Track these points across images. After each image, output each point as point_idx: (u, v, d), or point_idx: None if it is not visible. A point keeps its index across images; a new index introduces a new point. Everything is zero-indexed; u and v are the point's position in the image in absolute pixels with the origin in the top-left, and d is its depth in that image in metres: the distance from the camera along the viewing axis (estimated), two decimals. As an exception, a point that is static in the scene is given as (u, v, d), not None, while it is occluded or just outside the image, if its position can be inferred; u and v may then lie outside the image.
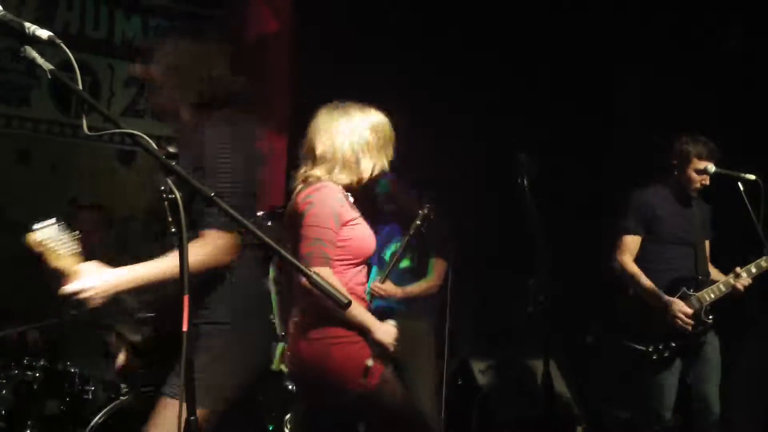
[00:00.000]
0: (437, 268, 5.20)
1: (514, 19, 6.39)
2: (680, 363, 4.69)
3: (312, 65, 6.88)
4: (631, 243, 4.80)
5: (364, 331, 3.18)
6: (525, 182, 3.84)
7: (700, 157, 4.68)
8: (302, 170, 3.36)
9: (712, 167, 4.64)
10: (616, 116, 6.44)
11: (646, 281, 4.69)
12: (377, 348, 3.17)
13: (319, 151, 3.33)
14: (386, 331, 3.21)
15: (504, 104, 6.24)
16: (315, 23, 6.88)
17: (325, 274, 3.10)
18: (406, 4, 6.61)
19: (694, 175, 4.72)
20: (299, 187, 3.34)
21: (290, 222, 3.31)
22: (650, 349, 4.62)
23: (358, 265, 3.31)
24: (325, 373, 3.18)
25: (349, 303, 2.28)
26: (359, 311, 3.17)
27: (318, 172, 3.29)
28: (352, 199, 3.35)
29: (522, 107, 6.24)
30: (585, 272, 5.92)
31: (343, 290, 2.85)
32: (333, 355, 3.16)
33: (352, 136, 3.34)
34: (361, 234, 3.28)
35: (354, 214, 3.29)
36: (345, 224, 3.24)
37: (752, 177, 4.62)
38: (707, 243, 4.88)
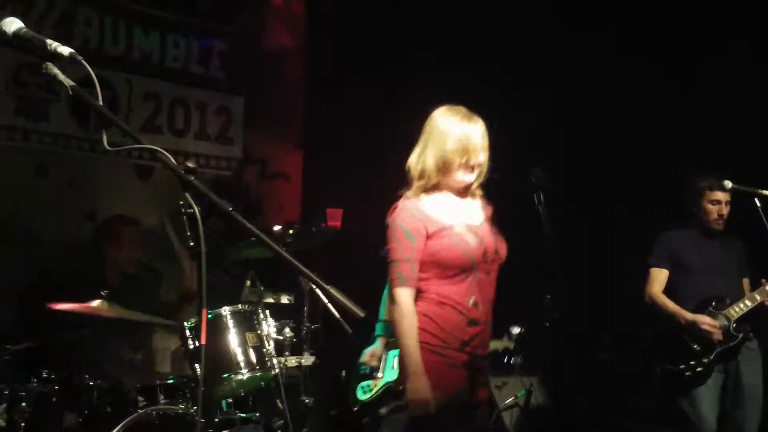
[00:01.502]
0: None
1: (515, 29, 6.41)
2: (717, 380, 4.75)
3: (326, 80, 6.92)
4: (658, 275, 4.95)
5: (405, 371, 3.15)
6: (540, 196, 3.83)
7: (711, 189, 4.83)
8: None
9: (728, 183, 4.68)
10: (628, 128, 6.40)
11: (671, 304, 4.84)
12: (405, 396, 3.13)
13: (408, 165, 3.36)
14: (421, 389, 3.11)
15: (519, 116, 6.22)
16: (328, 37, 6.92)
17: (403, 295, 3.17)
18: (418, 19, 6.62)
19: (709, 206, 4.86)
20: None
21: None
22: (682, 367, 4.73)
23: (454, 276, 3.23)
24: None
25: (365, 318, 2.29)
26: (411, 352, 3.13)
27: (405, 190, 3.34)
28: (463, 207, 3.32)
29: (535, 120, 6.22)
30: (599, 287, 5.91)
31: (354, 306, 2.60)
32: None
33: (435, 145, 3.30)
34: (449, 244, 3.21)
35: (447, 222, 3.24)
36: (431, 237, 3.22)
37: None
38: (745, 281, 4.96)
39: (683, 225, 5.03)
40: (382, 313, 4.69)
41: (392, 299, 3.21)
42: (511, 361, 4.93)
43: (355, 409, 4.82)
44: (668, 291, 4.93)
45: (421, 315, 3.22)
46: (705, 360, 4.71)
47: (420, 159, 3.33)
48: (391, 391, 4.64)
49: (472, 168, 3.31)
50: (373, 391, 4.74)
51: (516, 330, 5.16)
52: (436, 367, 3.16)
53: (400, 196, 3.35)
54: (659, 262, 4.97)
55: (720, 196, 4.83)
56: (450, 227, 3.24)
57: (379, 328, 4.75)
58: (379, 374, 4.74)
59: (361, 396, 4.79)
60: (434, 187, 3.32)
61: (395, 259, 3.21)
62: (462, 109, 3.36)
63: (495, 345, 5.02)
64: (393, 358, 4.70)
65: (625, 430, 5.85)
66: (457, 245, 3.22)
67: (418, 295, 3.24)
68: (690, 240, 4.96)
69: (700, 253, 4.91)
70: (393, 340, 4.71)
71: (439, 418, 3.13)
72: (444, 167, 3.28)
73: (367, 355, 4.74)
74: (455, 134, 3.28)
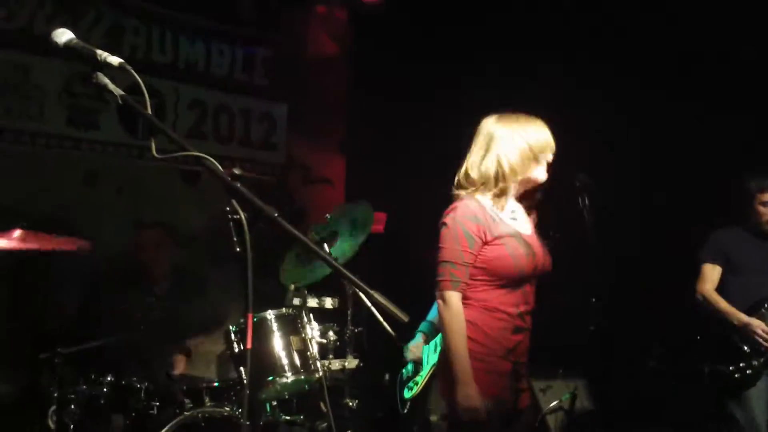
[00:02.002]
0: None
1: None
2: (766, 383, 4.70)
3: (368, 89, 6.96)
4: (710, 272, 4.91)
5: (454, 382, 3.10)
6: (585, 201, 3.81)
7: (762, 190, 4.79)
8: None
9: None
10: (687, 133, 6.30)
11: (724, 304, 4.79)
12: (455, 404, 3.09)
13: (466, 169, 3.29)
14: (470, 396, 3.07)
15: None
16: (371, 47, 6.96)
17: (455, 297, 3.11)
18: (463, 24, 6.63)
19: (761, 208, 4.81)
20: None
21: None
22: (731, 369, 4.68)
23: (505, 285, 3.18)
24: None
25: (409, 322, 2.29)
26: (460, 359, 3.08)
27: (462, 190, 3.26)
28: (515, 215, 3.27)
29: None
30: (648, 294, 5.83)
31: (398, 310, 2.43)
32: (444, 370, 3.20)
33: (499, 148, 3.23)
34: (502, 254, 3.15)
35: (504, 230, 3.18)
36: (488, 243, 3.16)
37: None
38: None
39: (736, 222, 4.97)
40: (432, 314, 4.73)
41: (443, 300, 3.15)
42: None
43: (405, 411, 4.86)
44: (720, 291, 4.88)
45: (466, 322, 3.17)
46: (755, 363, 4.66)
47: (484, 162, 3.25)
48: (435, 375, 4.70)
49: (546, 167, 3.28)
50: (419, 383, 4.79)
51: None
52: (479, 375, 3.12)
53: (451, 197, 3.30)
54: (712, 258, 4.92)
55: None
56: (507, 236, 3.19)
57: (423, 326, 4.80)
58: (425, 366, 4.80)
59: (408, 394, 4.84)
60: (500, 192, 3.25)
61: (451, 260, 3.13)
62: (522, 114, 3.33)
63: None
64: (433, 346, 4.75)
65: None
66: (512, 256, 3.17)
67: (463, 300, 3.19)
68: (743, 239, 4.90)
69: (753, 254, 4.85)
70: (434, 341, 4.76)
71: (484, 425, 3.10)
72: (514, 169, 3.22)
73: (411, 348, 4.79)
74: (530, 135, 3.24)
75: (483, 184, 3.23)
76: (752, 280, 4.80)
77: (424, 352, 4.80)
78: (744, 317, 4.70)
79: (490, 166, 3.23)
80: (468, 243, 3.13)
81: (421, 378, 4.82)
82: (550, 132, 3.29)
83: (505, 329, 3.21)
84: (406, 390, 4.87)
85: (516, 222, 3.29)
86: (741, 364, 4.67)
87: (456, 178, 3.33)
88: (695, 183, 5.81)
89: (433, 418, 3.24)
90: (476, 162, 3.28)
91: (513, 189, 3.27)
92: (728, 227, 4.98)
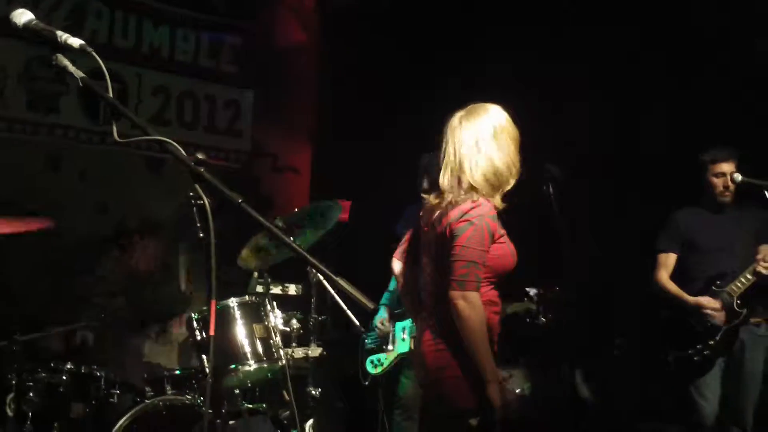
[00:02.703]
0: None
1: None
2: (721, 366, 4.73)
3: (338, 77, 6.93)
4: (665, 260, 4.92)
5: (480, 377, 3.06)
6: (551, 191, 3.83)
7: (715, 161, 4.77)
8: (447, 186, 3.20)
9: (738, 176, 4.67)
10: (641, 130, 6.37)
11: (674, 288, 4.81)
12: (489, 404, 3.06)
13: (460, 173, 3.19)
14: (500, 393, 3.06)
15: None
16: (342, 36, 6.93)
17: (474, 298, 3.06)
18: (433, 11, 6.62)
19: (714, 180, 4.79)
20: (447, 203, 3.18)
21: (437, 238, 3.19)
22: (690, 352, 4.70)
23: (498, 281, 3.21)
24: (441, 384, 3.18)
25: (375, 310, 2.29)
26: (487, 360, 3.05)
27: (473, 193, 3.16)
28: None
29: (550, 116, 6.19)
30: (611, 283, 5.90)
31: (364, 297, 2.50)
32: (450, 369, 3.13)
33: (496, 149, 3.17)
34: (506, 251, 3.18)
35: (501, 230, 3.19)
36: (494, 241, 3.15)
37: None
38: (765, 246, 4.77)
39: (694, 204, 4.96)
40: (392, 285, 4.76)
41: (466, 301, 3.06)
42: (536, 321, 4.85)
43: (367, 383, 4.92)
44: (681, 273, 4.87)
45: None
46: (711, 342, 4.67)
47: (485, 165, 3.16)
48: (406, 363, 4.72)
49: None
50: (385, 365, 4.86)
51: (533, 291, 5.08)
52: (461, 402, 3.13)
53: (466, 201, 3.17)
54: (667, 246, 4.92)
55: (724, 167, 4.75)
56: (505, 234, 3.22)
57: (385, 297, 4.85)
58: (389, 347, 4.85)
59: (372, 370, 4.91)
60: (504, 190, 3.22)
61: (477, 260, 3.07)
62: (485, 105, 3.28)
63: (515, 308, 4.97)
64: (401, 330, 4.81)
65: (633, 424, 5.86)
66: (512, 253, 3.22)
67: None
68: (699, 219, 4.89)
69: (709, 232, 4.84)
70: (398, 312, 4.78)
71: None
72: (516, 165, 3.20)
73: (379, 322, 4.85)
74: (509, 127, 3.23)
75: (495, 182, 3.16)
76: (709, 258, 4.79)
77: (396, 329, 4.85)
78: (691, 298, 4.72)
79: (497, 165, 3.16)
80: (489, 243, 3.11)
81: (388, 361, 4.86)
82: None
83: (499, 322, 3.27)
84: (369, 364, 4.97)
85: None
86: (698, 346, 4.68)
87: (445, 182, 3.21)
88: (668, 175, 5.85)
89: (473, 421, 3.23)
90: (480, 162, 3.16)
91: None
92: (685, 208, 4.97)
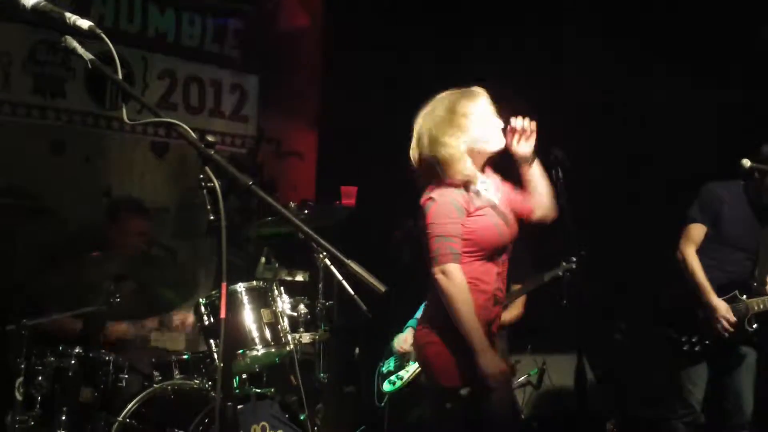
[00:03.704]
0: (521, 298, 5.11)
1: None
2: (707, 367, 4.63)
3: (342, 62, 6.90)
4: (696, 232, 4.65)
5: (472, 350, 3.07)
6: (559, 176, 3.81)
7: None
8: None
9: (747, 162, 4.35)
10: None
11: (701, 277, 4.55)
12: (479, 374, 3.06)
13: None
14: (492, 361, 3.07)
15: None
16: (346, 19, 6.89)
17: (457, 270, 3.08)
18: (436, 6, 6.58)
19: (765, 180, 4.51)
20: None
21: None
22: (683, 339, 4.59)
23: (484, 257, 3.20)
24: (426, 362, 3.25)
25: (386, 291, 2.27)
26: (473, 329, 3.06)
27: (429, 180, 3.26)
28: (485, 186, 3.28)
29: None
30: (616, 268, 5.88)
31: (375, 280, 2.43)
32: (434, 346, 3.19)
33: (456, 126, 3.22)
34: (486, 224, 3.19)
35: (481, 202, 3.21)
36: (470, 215, 3.17)
37: None
38: None
39: (736, 178, 4.64)
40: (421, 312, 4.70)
41: (444, 274, 3.10)
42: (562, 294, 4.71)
43: (382, 405, 4.81)
44: (698, 250, 4.62)
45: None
46: (707, 342, 4.54)
47: (447, 143, 3.22)
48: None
49: (498, 132, 3.28)
50: (403, 380, 4.75)
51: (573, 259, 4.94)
52: (467, 350, 3.12)
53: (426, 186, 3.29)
54: (701, 217, 4.63)
55: None
56: (487, 206, 3.24)
57: (412, 321, 4.73)
58: (411, 363, 4.75)
59: (389, 389, 4.78)
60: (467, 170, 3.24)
61: (446, 234, 3.11)
62: (459, 89, 3.33)
63: (553, 273, 4.83)
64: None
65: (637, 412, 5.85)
66: (496, 226, 3.22)
67: None
68: (736, 201, 4.60)
69: (739, 226, 4.59)
70: None
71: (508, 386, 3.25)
72: (447, 143, 3.21)
73: (400, 340, 4.76)
74: (449, 102, 3.26)
75: (455, 163, 3.21)
76: (732, 254, 4.61)
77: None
78: (714, 299, 4.50)
79: (453, 146, 3.20)
80: (459, 215, 3.14)
81: (407, 374, 4.78)
82: (485, 96, 3.30)
83: (487, 302, 3.24)
84: (387, 383, 4.84)
85: (487, 193, 3.32)
86: (693, 339, 4.57)
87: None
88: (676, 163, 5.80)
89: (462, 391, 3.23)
90: (440, 144, 3.23)
91: (471, 162, 3.24)
92: (725, 182, 4.69)
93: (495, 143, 3.28)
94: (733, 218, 4.62)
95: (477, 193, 3.25)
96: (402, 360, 4.80)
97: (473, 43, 6.43)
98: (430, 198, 3.19)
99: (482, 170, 3.37)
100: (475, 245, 3.18)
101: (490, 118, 3.28)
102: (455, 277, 3.09)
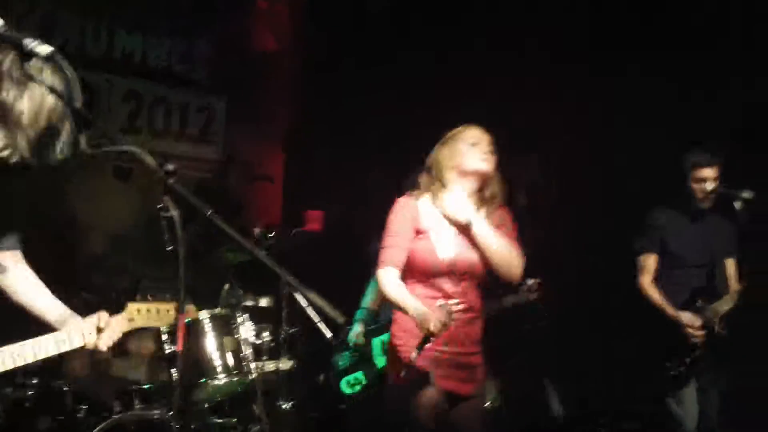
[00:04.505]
0: None
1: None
2: (696, 381, 4.64)
3: (309, 86, 6.89)
4: (649, 262, 4.74)
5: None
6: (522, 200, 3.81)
7: (696, 166, 4.57)
8: None
9: (710, 185, 4.52)
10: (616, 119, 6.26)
11: (658, 297, 4.65)
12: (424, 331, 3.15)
13: None
14: (422, 314, 3.17)
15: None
16: (315, 45, 6.89)
17: (390, 275, 3.32)
18: (402, 19, 6.58)
19: (695, 186, 4.61)
20: None
21: None
22: (668, 365, 4.59)
23: (424, 279, 3.35)
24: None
25: (343, 323, 2.28)
26: (400, 296, 3.27)
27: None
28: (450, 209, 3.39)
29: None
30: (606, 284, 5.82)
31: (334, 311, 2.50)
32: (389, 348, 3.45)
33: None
34: (425, 248, 3.35)
35: (429, 226, 3.39)
36: (416, 235, 3.37)
37: (748, 195, 4.46)
38: (731, 261, 4.74)
39: (674, 197, 4.73)
40: (365, 302, 4.69)
41: (379, 278, 3.37)
42: (538, 316, 4.69)
43: (346, 406, 4.77)
44: (657, 277, 4.71)
45: (393, 321, 3.45)
46: (687, 359, 4.56)
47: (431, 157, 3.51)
48: (383, 377, 4.63)
49: (485, 158, 3.41)
50: (364, 382, 4.70)
51: (531, 281, 4.84)
52: (397, 365, 3.33)
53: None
54: (649, 246, 4.73)
55: (707, 173, 4.56)
56: (427, 231, 3.38)
57: (359, 313, 4.76)
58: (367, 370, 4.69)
59: (349, 390, 4.74)
60: (435, 188, 3.45)
61: (384, 244, 3.38)
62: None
63: (512, 300, 4.85)
64: (380, 344, 4.69)
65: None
66: (436, 251, 3.35)
67: None
68: (677, 221, 4.70)
69: (687, 244, 4.67)
70: (373, 327, 4.72)
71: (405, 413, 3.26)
72: (438, 160, 3.47)
73: (354, 334, 4.73)
74: (448, 135, 3.50)
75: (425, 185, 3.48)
76: (689, 272, 4.67)
77: (373, 344, 4.72)
78: (673, 311, 4.58)
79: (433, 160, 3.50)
80: (405, 228, 3.37)
81: (367, 380, 4.70)
82: (476, 128, 3.48)
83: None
84: (344, 383, 4.78)
85: (448, 225, 3.42)
86: (677, 362, 4.57)
87: None
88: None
89: (488, 404, 3.24)
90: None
91: (452, 183, 3.42)
92: (662, 207, 4.77)
93: (477, 165, 3.42)
94: (678, 239, 4.70)
95: (427, 214, 3.41)
96: (357, 359, 4.75)
97: (447, 68, 6.39)
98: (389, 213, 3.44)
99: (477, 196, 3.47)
100: (413, 266, 3.36)
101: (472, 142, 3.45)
102: (384, 281, 3.34)
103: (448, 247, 3.37)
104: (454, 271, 3.36)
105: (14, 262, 2.69)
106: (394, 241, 3.36)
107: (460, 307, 3.30)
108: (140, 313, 2.60)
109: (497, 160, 3.48)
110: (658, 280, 4.72)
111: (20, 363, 2.46)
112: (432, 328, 3.07)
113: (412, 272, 3.37)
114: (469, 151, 3.42)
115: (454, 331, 3.30)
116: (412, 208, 3.41)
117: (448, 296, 3.33)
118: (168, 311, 2.53)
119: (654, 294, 4.68)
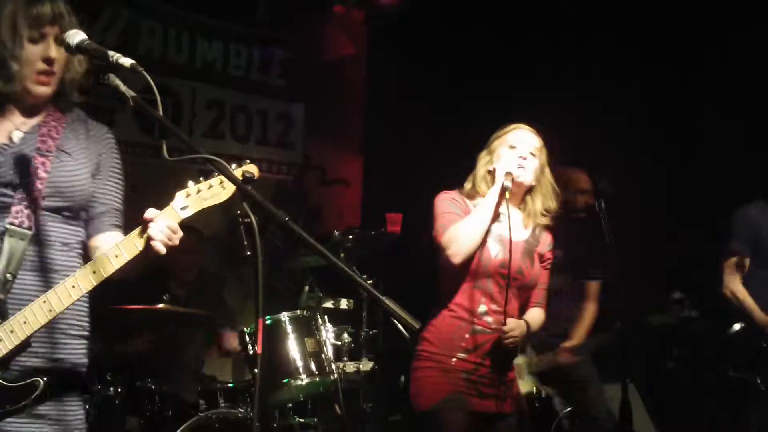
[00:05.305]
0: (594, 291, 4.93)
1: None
2: None
3: (385, 90, 6.92)
4: (739, 264, 4.56)
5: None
6: (602, 203, 3.75)
7: None
8: None
9: None
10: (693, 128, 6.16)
11: (750, 301, 4.46)
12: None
13: None
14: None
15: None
16: (390, 47, 6.92)
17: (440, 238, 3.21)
18: (479, 27, 6.56)
19: None
20: None
21: None
22: (759, 380, 4.38)
23: (467, 281, 3.25)
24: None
25: (420, 329, 2.26)
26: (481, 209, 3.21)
27: None
28: (503, 216, 3.27)
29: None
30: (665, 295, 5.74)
31: (408, 317, 2.36)
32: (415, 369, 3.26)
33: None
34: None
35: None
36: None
37: None
38: None
39: (764, 196, 4.55)
40: None
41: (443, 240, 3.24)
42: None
43: None
44: (744, 281, 4.53)
45: (429, 324, 3.27)
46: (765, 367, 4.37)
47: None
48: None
49: (521, 165, 3.28)
50: None
51: (678, 295, 4.72)
52: (430, 373, 3.21)
53: None
54: (740, 248, 4.53)
55: None
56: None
57: None
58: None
59: None
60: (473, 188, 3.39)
61: (446, 211, 3.29)
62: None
63: (661, 319, 4.75)
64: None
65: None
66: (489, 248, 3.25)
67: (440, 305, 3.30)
68: None
69: None
70: None
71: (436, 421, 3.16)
72: (485, 165, 3.39)
73: None
74: (494, 139, 3.41)
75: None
76: None
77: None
78: (761, 315, 4.39)
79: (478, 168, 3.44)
80: (449, 206, 3.30)
81: None
82: (522, 128, 3.37)
83: (461, 328, 3.23)
84: None
85: (501, 225, 3.26)
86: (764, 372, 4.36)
87: None
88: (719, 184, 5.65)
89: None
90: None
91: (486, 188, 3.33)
92: (755, 203, 4.57)
93: (515, 171, 3.29)
94: None
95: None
96: None
97: (518, 74, 6.35)
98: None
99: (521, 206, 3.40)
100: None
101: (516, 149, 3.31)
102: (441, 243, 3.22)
103: (497, 248, 3.23)
104: (502, 273, 3.21)
105: None
106: (450, 217, 3.26)
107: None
108: (190, 197, 2.50)
109: (549, 168, 3.35)
110: (745, 283, 4.54)
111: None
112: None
113: (454, 275, 3.24)
114: (506, 154, 3.29)
115: (492, 345, 3.21)
116: (461, 199, 3.34)
117: (492, 299, 3.23)
118: (220, 183, 2.44)
119: (745, 297, 4.48)
